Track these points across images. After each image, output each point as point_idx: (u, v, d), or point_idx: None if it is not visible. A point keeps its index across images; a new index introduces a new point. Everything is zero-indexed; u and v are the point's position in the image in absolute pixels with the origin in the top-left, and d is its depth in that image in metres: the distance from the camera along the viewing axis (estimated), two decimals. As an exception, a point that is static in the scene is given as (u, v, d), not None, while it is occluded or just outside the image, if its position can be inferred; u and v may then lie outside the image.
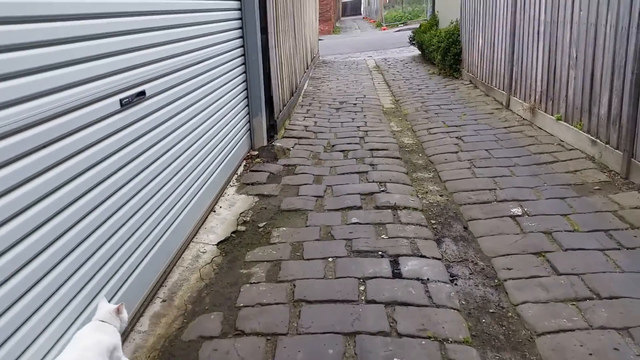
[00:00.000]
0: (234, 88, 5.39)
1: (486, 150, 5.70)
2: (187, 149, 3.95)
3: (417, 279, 3.25)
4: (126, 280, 2.93)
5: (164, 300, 3.22)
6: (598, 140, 5.03)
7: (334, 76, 12.22)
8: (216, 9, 4.80)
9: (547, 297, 2.98)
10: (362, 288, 3.18)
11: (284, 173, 5.40)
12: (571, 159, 5.14)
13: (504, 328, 2.80)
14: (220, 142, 4.84)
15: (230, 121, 5.18)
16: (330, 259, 3.57)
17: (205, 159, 4.38)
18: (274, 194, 4.82)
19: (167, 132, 3.58)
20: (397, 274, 3.31)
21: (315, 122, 7.59)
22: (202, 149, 4.32)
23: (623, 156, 4.54)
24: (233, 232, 4.13)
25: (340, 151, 6.10)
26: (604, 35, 4.92)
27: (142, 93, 3.13)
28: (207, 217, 4.35)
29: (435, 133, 6.64)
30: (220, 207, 4.60)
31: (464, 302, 3.04)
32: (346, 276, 3.32)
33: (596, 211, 3.97)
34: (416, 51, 15.22)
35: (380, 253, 3.61)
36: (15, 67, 2.04)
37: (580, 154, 5.23)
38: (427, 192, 4.74)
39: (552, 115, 6.12)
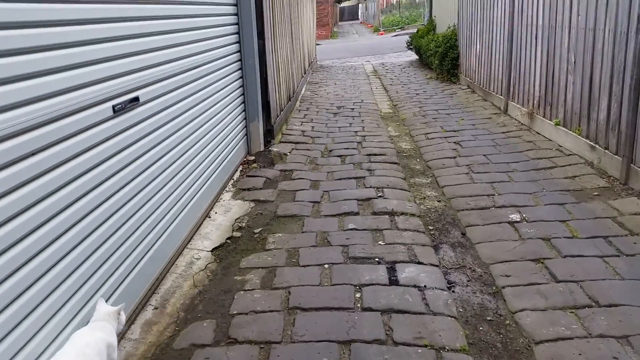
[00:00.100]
0: (231, 93, 5.35)
1: (484, 155, 5.66)
2: (182, 155, 3.91)
3: (414, 286, 3.20)
4: (118, 287, 2.88)
5: (156, 308, 3.16)
6: (597, 146, 4.99)
7: (331, 81, 12.20)
8: (212, 14, 4.77)
9: (546, 304, 2.94)
10: (358, 295, 3.13)
11: (280, 178, 5.36)
12: (570, 165, 5.11)
13: (501, 336, 2.76)
14: (217, 147, 4.80)
15: (226, 126, 5.14)
16: (326, 266, 3.52)
17: (200, 164, 4.34)
18: (270, 200, 4.77)
19: (162, 138, 3.54)
20: (393, 281, 3.27)
21: (313, 127, 7.56)
22: (198, 154, 4.27)
23: (622, 162, 4.51)
24: (228, 238, 4.08)
25: (338, 156, 6.06)
26: (603, 40, 4.89)
27: (136, 99, 3.09)
28: (202, 223, 4.31)
29: (433, 138, 6.60)
30: (216, 212, 4.55)
31: (461, 310, 2.99)
32: (342, 283, 3.27)
33: (595, 217, 3.93)
34: (414, 56, 15.23)
35: (377, 259, 3.56)
36: (3, 73, 2.00)
37: (579, 160, 5.20)
38: (424, 198, 4.69)
39: (550, 120, 6.09)
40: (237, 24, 5.60)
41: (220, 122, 4.94)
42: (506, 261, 3.44)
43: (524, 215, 4.08)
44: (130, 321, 2.99)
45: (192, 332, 2.91)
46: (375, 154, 6.03)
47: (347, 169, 5.54)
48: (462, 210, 4.31)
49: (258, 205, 4.67)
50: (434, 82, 11.09)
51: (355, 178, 5.23)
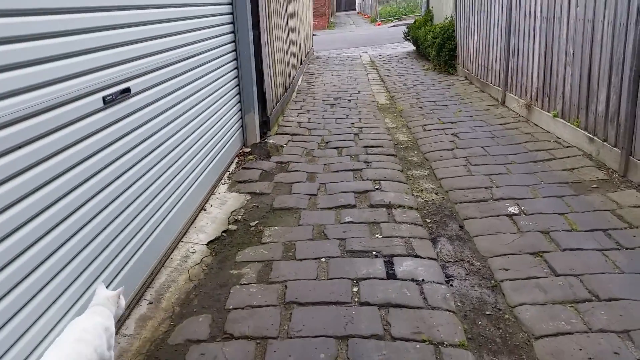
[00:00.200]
0: (226, 84, 5.28)
1: (482, 147, 5.62)
2: (176, 147, 3.85)
3: (412, 279, 3.17)
4: (111, 281, 2.84)
5: (150, 303, 3.12)
6: (595, 138, 4.95)
7: (328, 72, 12.11)
8: (206, 4, 4.68)
9: (545, 298, 2.90)
10: (355, 289, 3.10)
11: (276, 170, 5.30)
12: (568, 157, 5.07)
13: (500, 331, 2.73)
14: (212, 139, 4.73)
15: (221, 118, 5.08)
16: (323, 259, 3.48)
17: (195, 156, 4.28)
18: (266, 192, 4.72)
19: (155, 130, 3.47)
20: (391, 275, 3.23)
21: (309, 119, 7.49)
22: (192, 146, 4.21)
23: (621, 154, 4.47)
24: (224, 231, 4.03)
25: (335, 148, 6.01)
26: (602, 32, 4.84)
27: (127, 90, 3.02)
28: (197, 216, 4.25)
29: (430, 130, 6.55)
30: (211, 205, 4.50)
31: (459, 304, 2.96)
32: (339, 277, 3.23)
33: (594, 210, 3.90)
34: (411, 47, 15.14)
35: (374, 253, 3.52)
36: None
37: (578, 152, 5.16)
38: (422, 190, 4.65)
39: (548, 112, 6.04)
40: (231, 13, 5.52)
41: (215, 113, 4.88)
42: (505, 254, 3.41)
43: (523, 207, 4.05)
44: (125, 316, 2.95)
45: (187, 327, 2.86)
46: (372, 146, 5.98)
47: (344, 161, 5.49)
48: (460, 202, 4.28)
49: (254, 198, 4.62)
50: (431, 73, 11.03)
51: (352, 170, 5.18)
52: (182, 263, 3.57)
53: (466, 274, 3.26)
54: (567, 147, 5.36)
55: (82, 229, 2.57)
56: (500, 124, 6.53)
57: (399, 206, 4.25)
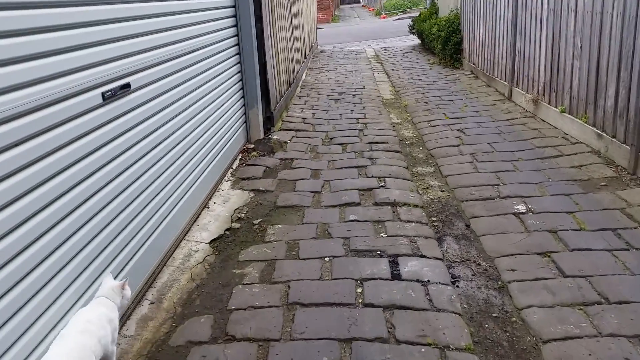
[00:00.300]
0: (228, 79, 5.22)
1: (488, 143, 5.54)
2: (178, 143, 3.79)
3: (417, 280, 3.11)
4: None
5: (152, 303, 3.08)
6: (604, 134, 4.87)
7: (332, 66, 12.02)
8: (209, -3, 4.62)
9: (553, 300, 2.84)
10: (359, 290, 3.04)
11: (280, 167, 5.25)
12: (576, 153, 4.99)
13: (507, 334, 2.67)
14: (214, 135, 4.68)
15: (224, 114, 5.02)
16: (326, 259, 3.43)
17: (198, 153, 4.23)
18: (269, 189, 4.67)
19: (156, 126, 3.42)
20: (396, 275, 3.17)
21: (314, 114, 7.42)
22: (195, 142, 4.16)
23: (630, 150, 4.39)
24: (227, 230, 3.98)
25: (339, 144, 5.94)
26: (610, 24, 4.74)
27: (127, 85, 2.97)
28: (200, 214, 4.21)
29: (436, 125, 6.48)
30: (215, 203, 4.45)
31: (466, 306, 2.90)
32: (343, 277, 3.18)
33: (603, 209, 3.82)
34: (416, 40, 15.01)
35: (378, 253, 3.46)
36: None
37: (586, 148, 5.08)
38: (427, 188, 4.59)
39: (555, 107, 5.95)
40: (233, 6, 5.45)
41: (218, 109, 4.82)
42: (512, 254, 3.34)
43: (530, 206, 3.98)
44: (126, 316, 2.91)
45: (189, 328, 2.82)
46: (377, 142, 5.91)
47: (349, 158, 5.43)
48: (466, 200, 4.21)
49: (257, 195, 4.57)
50: (436, 67, 10.92)
51: (356, 167, 5.11)
52: (185, 262, 3.53)
53: (472, 275, 3.20)
54: (575, 143, 5.28)
55: (82, 228, 2.53)
56: (507, 120, 6.44)
57: (404, 204, 4.19)
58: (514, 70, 7.40)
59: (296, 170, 5.13)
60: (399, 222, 3.88)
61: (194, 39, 4.21)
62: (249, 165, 5.32)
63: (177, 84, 3.81)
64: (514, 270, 3.17)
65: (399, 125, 6.80)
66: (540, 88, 6.44)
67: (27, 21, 2.16)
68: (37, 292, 2.18)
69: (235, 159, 5.45)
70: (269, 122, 6.26)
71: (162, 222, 3.49)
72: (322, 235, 3.76)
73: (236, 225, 4.05)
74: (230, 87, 5.30)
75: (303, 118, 7.17)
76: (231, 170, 5.20)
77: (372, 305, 2.89)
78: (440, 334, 2.63)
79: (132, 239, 3.06)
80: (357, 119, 7.06)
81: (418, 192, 4.47)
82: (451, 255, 3.44)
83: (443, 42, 10.92)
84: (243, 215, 4.21)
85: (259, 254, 3.55)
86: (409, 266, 3.27)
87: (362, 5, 44.02)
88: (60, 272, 2.35)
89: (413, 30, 14.73)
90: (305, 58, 11.42)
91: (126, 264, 2.97)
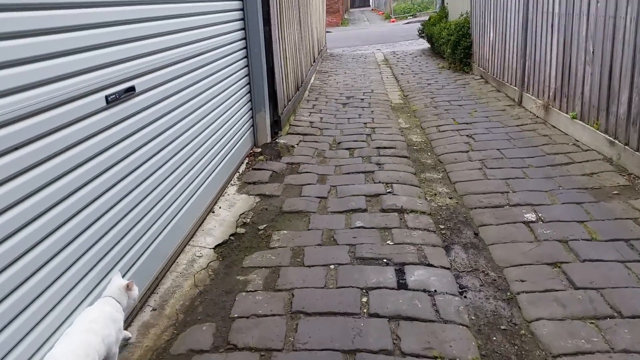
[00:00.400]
0: (236, 82, 5.18)
1: (498, 149, 5.46)
2: (184, 147, 3.76)
3: (424, 290, 3.04)
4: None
5: (154, 309, 3.03)
6: (616, 141, 4.78)
7: (341, 70, 11.98)
8: (216, -1, 4.59)
9: (564, 313, 2.77)
10: (364, 299, 2.98)
11: (287, 172, 5.20)
12: (587, 161, 4.90)
13: (516, 347, 2.60)
14: (221, 139, 4.64)
15: (231, 117, 4.98)
16: (332, 266, 3.37)
17: (204, 157, 4.19)
18: (275, 194, 4.62)
19: (162, 130, 3.39)
20: (402, 285, 3.11)
21: (321, 118, 7.38)
22: (201, 146, 4.12)
23: (643, 159, 4.30)
24: (232, 235, 3.94)
25: (346, 149, 5.89)
26: (624, 29, 4.65)
27: (132, 89, 2.94)
28: (205, 218, 4.17)
29: (444, 131, 6.40)
30: (220, 207, 4.41)
31: (473, 318, 2.83)
32: (348, 286, 3.12)
33: (615, 218, 3.74)
34: (425, 44, 14.94)
35: (385, 260, 3.40)
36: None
37: (597, 155, 4.99)
38: (435, 194, 4.52)
39: (566, 113, 5.87)
40: (241, 9, 5.41)
41: (225, 112, 4.78)
42: (521, 264, 3.27)
43: (540, 214, 3.90)
44: (128, 323, 2.87)
45: (190, 336, 2.78)
46: (385, 147, 5.85)
47: (356, 163, 5.37)
48: (475, 208, 4.14)
49: (263, 200, 4.52)
50: (446, 71, 10.84)
51: (363, 172, 5.06)
52: (188, 268, 3.49)
53: (481, 285, 3.13)
54: (587, 150, 5.18)
55: (82, 233, 2.50)
56: (517, 125, 6.36)
57: (412, 211, 4.12)
58: (525, 75, 7.32)
59: (303, 175, 5.08)
60: (406, 230, 3.81)
61: (202, 41, 4.17)
62: (255, 169, 5.28)
63: (184, 87, 3.78)
64: (523, 281, 3.10)
65: (407, 130, 6.74)
66: (551, 93, 6.35)
67: (30, 23, 2.13)
68: (43, 292, 2.19)
69: (242, 162, 5.41)
70: (276, 125, 6.22)
71: (166, 226, 3.45)
72: (327, 242, 3.70)
73: (241, 230, 4.00)
74: (238, 91, 5.26)
75: (311, 122, 7.12)
76: (237, 174, 5.17)
77: (377, 316, 2.83)
78: (447, 347, 2.57)
79: (135, 243, 3.03)
80: (365, 123, 7.00)
81: (426, 199, 4.41)
82: (459, 264, 3.37)
83: (453, 46, 10.84)
84: (248, 220, 4.17)
85: (264, 261, 3.51)
86: (415, 275, 3.20)
87: (372, 9, 44.01)
88: (62, 276, 2.32)
89: (423, 34, 14.66)
90: (314, 62, 11.38)
91: (129, 269, 2.93)
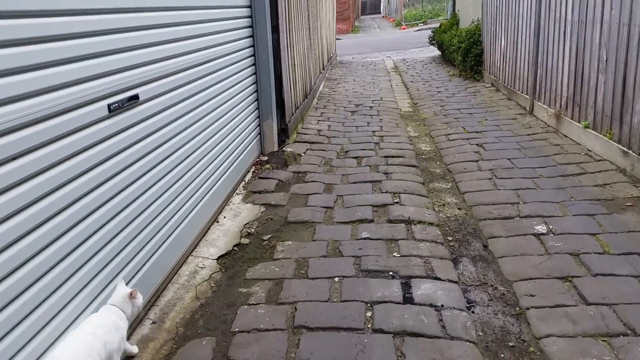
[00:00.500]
0: (243, 90, 5.15)
1: (508, 159, 5.36)
2: (188, 156, 3.72)
3: (430, 305, 2.96)
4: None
5: (154, 322, 2.98)
6: (630, 152, 4.67)
7: (350, 77, 11.93)
8: (222, 6, 4.55)
9: (575, 330, 2.67)
10: (369, 314, 2.91)
11: (293, 181, 5.14)
12: (600, 171, 4.79)
13: (525, 366, 2.51)
14: (227, 147, 4.60)
15: (238, 125, 4.94)
16: (336, 279, 3.30)
17: (209, 165, 4.15)
18: (281, 204, 4.56)
19: (166, 138, 3.35)
20: (408, 299, 3.03)
21: (329, 126, 7.32)
22: (207, 155, 4.08)
23: (658, 170, 4.19)
24: (236, 245, 3.89)
25: (354, 158, 5.83)
26: (638, 36, 4.56)
27: (135, 97, 2.90)
28: (209, 228, 4.12)
29: (454, 139, 6.32)
30: (225, 217, 4.36)
31: (481, 334, 2.75)
32: (352, 300, 3.05)
33: (629, 231, 3.63)
34: (436, 51, 14.86)
35: (391, 273, 3.32)
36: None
37: (610, 166, 4.87)
38: (444, 205, 4.43)
39: (579, 122, 5.76)
40: (250, 16, 5.39)
41: (231, 121, 4.74)
42: (531, 279, 3.18)
43: (551, 226, 3.80)
44: (127, 336, 2.82)
45: (190, 350, 2.72)
46: (393, 156, 5.77)
47: (363, 172, 5.30)
48: (484, 219, 4.05)
49: (268, 210, 4.47)
50: (456, 79, 10.75)
51: (371, 182, 4.99)
52: (190, 279, 3.44)
53: (489, 300, 3.04)
54: (599, 160, 5.07)
55: (82, 244, 2.46)
56: (528, 135, 6.26)
57: (419, 222, 4.04)
58: (536, 84, 7.22)
59: (309, 184, 5.02)
60: (413, 241, 3.74)
61: (208, 49, 4.14)
62: (261, 178, 5.23)
63: (189, 95, 3.74)
64: (532, 296, 3.00)
65: (416, 138, 6.66)
66: (562, 102, 6.25)
67: (30, 30, 2.10)
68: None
69: (248, 171, 5.37)
70: (283, 134, 6.18)
71: (169, 236, 3.41)
72: (332, 254, 3.64)
73: (245, 240, 3.95)
74: (245, 99, 5.23)
75: (318, 130, 7.07)
76: (243, 183, 5.12)
77: (381, 331, 2.75)
78: (453, 365, 2.49)
79: (136, 254, 2.99)
80: (374, 131, 6.94)
81: (434, 210, 4.32)
82: (467, 278, 3.29)
83: (463, 54, 10.76)
84: (253, 230, 4.11)
85: (267, 272, 3.44)
86: (422, 289, 3.12)
87: (383, 16, 44.04)
88: (56, 292, 2.28)
89: (433, 42, 14.59)
90: (323, 69, 11.35)
91: (130, 281, 2.89)
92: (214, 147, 4.27)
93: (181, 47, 3.60)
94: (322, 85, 10.63)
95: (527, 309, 2.90)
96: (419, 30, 25.92)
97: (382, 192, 4.70)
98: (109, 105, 2.65)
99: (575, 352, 2.52)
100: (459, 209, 4.33)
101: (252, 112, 5.54)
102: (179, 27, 3.57)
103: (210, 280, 3.42)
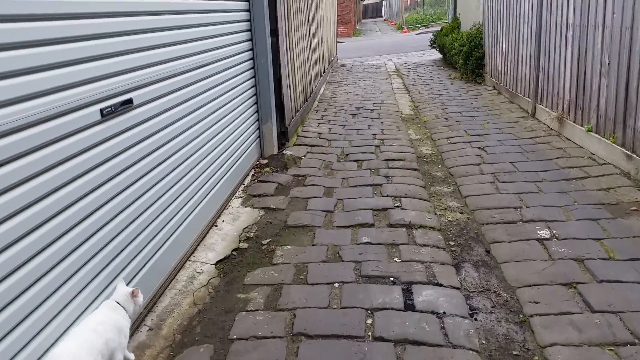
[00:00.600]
0: (242, 94, 5.10)
1: (511, 162, 5.30)
2: (185, 160, 3.67)
3: (432, 312, 2.90)
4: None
5: (150, 329, 2.92)
6: (634, 155, 4.60)
7: (351, 80, 11.89)
8: (220, 10, 4.51)
9: (580, 339, 2.61)
10: (369, 321, 2.84)
11: (293, 184, 5.09)
12: (604, 175, 4.73)
13: (530, 375, 2.45)
14: (225, 151, 4.55)
15: (236, 129, 4.89)
16: (336, 284, 3.24)
17: (207, 169, 4.10)
18: (280, 208, 4.50)
19: (162, 142, 3.30)
20: (409, 306, 2.97)
21: (330, 129, 7.27)
22: (204, 158, 4.03)
23: (663, 173, 4.13)
24: (234, 250, 3.83)
25: (354, 161, 5.77)
26: (642, 40, 4.51)
27: (129, 101, 2.85)
28: (207, 233, 4.06)
29: (456, 142, 6.26)
30: (223, 221, 4.30)
31: (484, 342, 2.68)
32: (352, 306, 2.99)
33: (634, 236, 3.57)
34: (437, 55, 14.83)
35: (391, 279, 3.26)
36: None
37: (614, 169, 4.81)
38: (445, 209, 4.37)
39: (581, 125, 5.70)
40: (248, 20, 5.34)
41: (230, 124, 4.69)
42: (535, 285, 3.11)
43: (554, 231, 3.74)
44: (123, 342, 2.76)
45: (187, 358, 2.66)
46: (394, 159, 5.72)
47: (364, 175, 5.24)
48: (487, 224, 3.99)
49: (268, 214, 4.41)
50: (458, 82, 10.70)
51: (371, 185, 4.93)
52: (188, 285, 3.38)
53: (492, 307, 2.97)
54: (603, 164, 5.01)
55: (77, 249, 2.41)
56: (530, 138, 6.20)
57: (420, 226, 3.98)
58: (538, 87, 7.16)
59: (309, 187, 4.97)
60: (414, 246, 3.68)
61: (206, 53, 4.09)
62: (261, 181, 5.18)
63: (187, 98, 3.69)
64: (536, 303, 2.94)
65: (418, 141, 6.60)
66: (565, 105, 6.19)
67: (19, 34, 2.05)
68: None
69: (248, 174, 5.31)
70: (283, 137, 6.13)
71: (166, 241, 3.35)
72: (332, 259, 3.58)
73: (244, 245, 3.89)
74: (244, 102, 5.18)
75: (319, 133, 7.02)
76: (242, 186, 5.06)
77: (382, 339, 2.69)
78: (456, 374, 2.42)
79: (133, 259, 2.94)
80: (374, 134, 6.88)
81: (435, 214, 4.26)
82: (470, 284, 3.22)
83: (465, 57, 10.71)
84: (252, 234, 4.05)
85: (266, 278, 3.39)
86: (423, 295, 3.06)
87: (384, 20, 44.07)
88: (48, 300, 2.22)
89: (434, 45, 14.56)
90: (324, 72, 11.31)
91: (126, 285, 2.82)
92: (212, 151, 4.21)
93: (178, 51, 3.55)
94: (322, 88, 10.59)
95: (531, 316, 2.84)
96: (420, 33, 25.90)
97: (382, 196, 4.64)
98: (101, 110, 2.60)
99: (581, 361, 2.46)
100: (460, 213, 4.27)
101: (251, 116, 5.49)
102: (175, 30, 3.52)
103: (208, 285, 3.36)
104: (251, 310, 3.03)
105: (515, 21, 8.20)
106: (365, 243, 3.76)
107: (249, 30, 5.37)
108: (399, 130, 7.14)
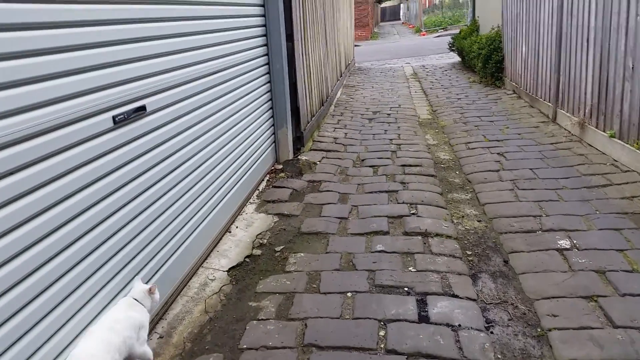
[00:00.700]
0: (257, 99, 5.07)
1: (531, 169, 5.19)
2: (199, 166, 3.65)
3: (447, 324, 2.83)
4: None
5: (161, 337, 2.90)
6: (659, 162, 4.47)
7: (369, 84, 11.82)
8: (235, 15, 4.49)
9: (601, 356, 2.51)
10: (382, 333, 2.78)
11: (307, 190, 5.04)
12: (627, 183, 4.59)
13: (548, 393, 2.36)
14: (240, 156, 4.53)
15: (251, 134, 4.87)
16: (349, 294, 3.19)
17: (221, 175, 4.08)
18: (295, 214, 4.46)
19: (175, 149, 3.28)
20: (423, 317, 2.90)
21: (346, 134, 7.22)
22: (219, 164, 4.01)
23: (689, 182, 3.99)
24: (247, 257, 3.80)
25: (370, 166, 5.71)
26: (667, 44, 4.37)
27: (142, 108, 2.83)
28: (221, 239, 4.04)
29: (474, 148, 6.16)
30: (237, 227, 4.28)
31: (500, 356, 2.60)
32: (365, 317, 2.93)
33: (658, 248, 3.45)
34: (456, 58, 14.69)
35: (406, 289, 3.20)
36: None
37: (638, 177, 4.67)
38: (463, 217, 4.29)
39: (604, 131, 5.56)
40: (264, 25, 5.32)
41: (245, 129, 4.67)
42: (554, 297, 3.02)
43: (575, 241, 3.63)
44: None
45: (196, 368, 2.63)
46: (411, 165, 5.64)
47: (379, 181, 5.18)
48: (505, 233, 3.89)
49: (282, 220, 4.37)
50: (476, 86, 10.56)
51: (387, 192, 4.86)
52: (200, 292, 3.35)
53: (509, 320, 2.89)
54: (626, 171, 4.87)
55: (88, 256, 2.40)
56: (551, 144, 6.07)
57: (437, 235, 3.91)
58: (559, 91, 7.02)
59: (324, 193, 4.92)
60: (429, 255, 3.60)
61: (220, 58, 4.08)
62: (275, 187, 5.15)
63: (200, 105, 3.67)
64: (555, 316, 2.85)
65: (435, 147, 6.52)
66: (587, 110, 6.05)
67: (33, 42, 2.05)
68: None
69: (262, 180, 5.29)
70: (298, 142, 6.09)
71: (179, 247, 3.33)
72: (345, 267, 3.52)
73: (257, 252, 3.86)
74: (259, 107, 5.15)
75: (335, 138, 6.97)
76: (257, 192, 5.04)
77: (395, 352, 2.62)
78: (471, 390, 2.35)
79: (145, 265, 2.93)
80: (391, 139, 6.81)
81: (452, 222, 4.18)
82: (486, 295, 3.14)
83: (484, 60, 10.57)
84: (265, 241, 4.02)
85: (278, 286, 3.34)
86: (438, 307, 2.99)
87: (402, 23, 43.90)
88: (57, 307, 2.21)
89: (453, 48, 14.42)
90: (341, 76, 11.26)
91: (137, 294, 2.81)
92: (227, 157, 4.19)
93: (191, 57, 3.53)
94: (339, 92, 10.54)
95: (550, 330, 2.75)
96: (438, 36, 25.73)
97: (398, 203, 4.57)
98: (113, 117, 2.59)
99: (602, 378, 2.37)
100: (478, 221, 4.18)
101: (267, 121, 5.46)
102: (189, 37, 3.50)
103: (220, 293, 3.33)
104: (262, 319, 2.99)
105: (534, 24, 8.06)
106: (379, 251, 3.70)
107: (264, 35, 5.35)
108: (416, 135, 7.06)
